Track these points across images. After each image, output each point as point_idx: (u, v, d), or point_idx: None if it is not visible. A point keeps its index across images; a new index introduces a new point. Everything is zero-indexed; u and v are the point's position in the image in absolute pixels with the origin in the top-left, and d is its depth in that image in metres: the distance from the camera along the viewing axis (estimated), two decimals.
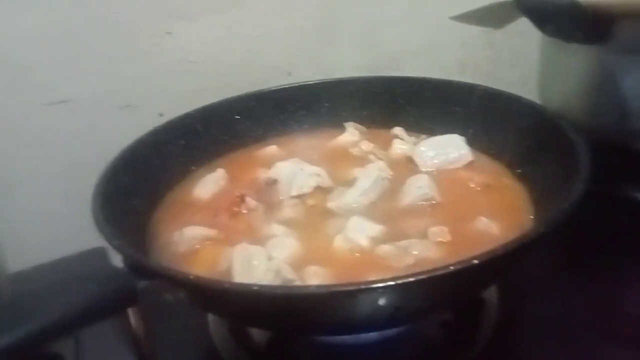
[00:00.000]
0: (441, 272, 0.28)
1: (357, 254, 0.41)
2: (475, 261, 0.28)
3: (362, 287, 0.28)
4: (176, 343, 0.47)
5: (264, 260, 0.39)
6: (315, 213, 0.47)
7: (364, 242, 0.41)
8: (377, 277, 0.34)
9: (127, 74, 0.62)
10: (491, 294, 0.46)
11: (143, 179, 0.48)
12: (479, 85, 0.54)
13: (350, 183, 0.49)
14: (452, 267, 0.28)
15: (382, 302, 0.30)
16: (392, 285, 0.28)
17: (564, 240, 0.48)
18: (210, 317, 0.47)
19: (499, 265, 0.32)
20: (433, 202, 0.46)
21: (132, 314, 0.51)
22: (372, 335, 0.43)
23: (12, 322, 0.28)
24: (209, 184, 0.51)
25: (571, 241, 0.49)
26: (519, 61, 0.82)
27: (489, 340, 0.42)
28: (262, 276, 0.37)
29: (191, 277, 0.30)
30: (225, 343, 0.44)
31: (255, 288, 0.29)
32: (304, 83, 0.61)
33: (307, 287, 0.28)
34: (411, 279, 0.28)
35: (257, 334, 0.45)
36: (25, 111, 0.58)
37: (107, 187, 0.42)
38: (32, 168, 0.59)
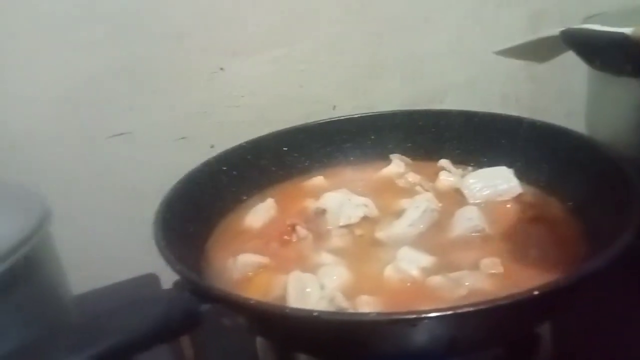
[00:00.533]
0: (503, 302, 0.28)
1: (408, 285, 0.41)
2: (536, 292, 0.28)
3: (424, 315, 0.28)
4: None
5: (317, 288, 0.40)
6: (364, 243, 0.48)
7: (415, 272, 0.41)
8: (431, 307, 0.34)
9: (182, 108, 0.65)
10: (544, 330, 0.45)
11: (198, 207, 0.50)
12: (525, 117, 0.54)
13: (397, 214, 0.49)
14: (513, 298, 0.28)
15: (440, 332, 0.30)
16: (453, 314, 0.28)
17: (618, 274, 0.47)
18: (259, 345, 0.48)
19: (560, 298, 0.32)
20: (483, 233, 0.46)
21: (182, 339, 0.52)
22: None
23: (85, 342, 0.29)
24: (260, 212, 0.53)
25: (625, 275, 0.48)
26: (562, 94, 0.82)
27: None
28: (316, 304, 0.37)
29: (253, 302, 0.31)
30: None
31: (315, 314, 0.29)
32: (350, 116, 0.63)
33: (368, 314, 0.28)
34: (471, 309, 0.28)
35: None
36: (89, 142, 0.61)
37: (167, 214, 0.44)
38: (93, 196, 0.62)
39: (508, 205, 0.50)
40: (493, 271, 0.41)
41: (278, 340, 0.40)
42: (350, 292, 0.40)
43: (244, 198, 0.56)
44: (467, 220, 0.46)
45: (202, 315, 0.33)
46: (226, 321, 0.36)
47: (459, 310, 0.28)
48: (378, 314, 0.28)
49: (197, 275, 0.40)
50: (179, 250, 0.41)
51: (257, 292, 0.42)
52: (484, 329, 0.31)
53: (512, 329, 0.34)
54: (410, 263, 0.42)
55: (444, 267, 0.42)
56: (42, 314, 0.39)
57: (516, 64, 0.79)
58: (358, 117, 0.63)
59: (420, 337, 0.31)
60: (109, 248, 0.63)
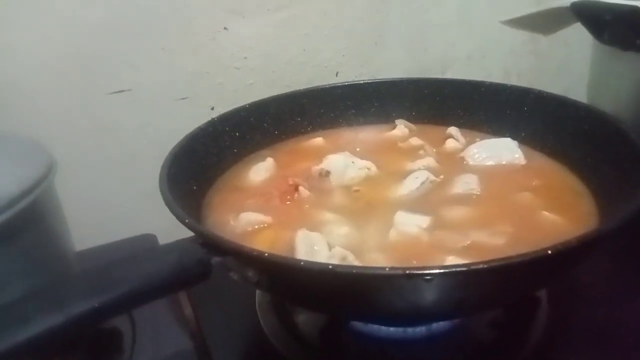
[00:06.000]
0: (515, 260, 0.28)
1: (412, 243, 0.41)
2: (549, 251, 0.29)
3: (441, 270, 0.28)
4: (224, 323, 0.48)
5: (325, 246, 0.40)
6: (365, 204, 0.47)
7: (416, 230, 0.41)
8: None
9: (185, 67, 0.63)
10: (541, 296, 0.46)
11: (200, 165, 0.50)
12: (532, 88, 0.54)
13: (399, 176, 0.49)
14: (526, 256, 0.28)
15: (452, 288, 0.31)
16: (466, 270, 0.29)
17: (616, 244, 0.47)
18: (258, 304, 0.48)
19: (571, 260, 0.32)
20: (478, 195, 0.46)
21: (181, 296, 0.52)
22: (419, 331, 0.44)
23: (100, 287, 0.29)
24: (260, 171, 0.52)
25: (623, 245, 0.49)
26: (562, 71, 0.82)
27: (539, 343, 0.42)
28: (326, 261, 0.37)
29: (267, 255, 0.31)
30: (271, 323, 0.45)
31: (331, 267, 0.30)
32: (354, 82, 0.62)
33: (384, 268, 0.29)
34: (484, 266, 0.28)
35: (304, 323, 0.46)
36: (89, 98, 0.60)
37: (172, 168, 0.44)
38: (93, 152, 0.61)
39: (513, 174, 0.50)
40: (495, 232, 0.41)
41: (286, 295, 0.41)
42: (356, 250, 0.40)
43: (244, 158, 0.55)
44: (465, 184, 0.47)
45: (212, 267, 0.33)
46: (234, 275, 0.36)
47: (473, 267, 0.29)
48: (393, 267, 0.28)
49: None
50: (183, 205, 0.41)
51: (262, 248, 0.41)
52: (495, 286, 0.32)
53: (520, 288, 0.35)
54: (410, 226, 0.42)
55: (439, 225, 0.42)
56: (46, 264, 0.39)
57: (519, 39, 0.79)
58: (362, 83, 0.62)
59: (431, 295, 0.31)
60: (107, 206, 0.62)
